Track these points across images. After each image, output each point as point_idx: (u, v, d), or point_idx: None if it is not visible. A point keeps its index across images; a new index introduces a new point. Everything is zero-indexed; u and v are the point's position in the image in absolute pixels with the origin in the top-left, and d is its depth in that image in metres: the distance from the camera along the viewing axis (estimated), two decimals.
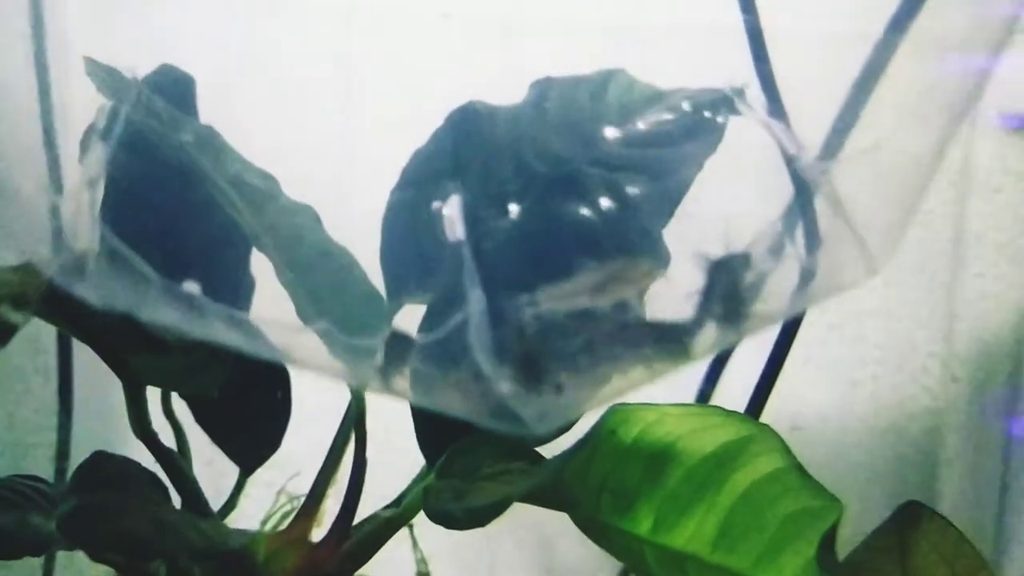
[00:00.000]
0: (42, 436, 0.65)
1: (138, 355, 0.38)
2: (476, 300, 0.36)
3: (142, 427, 0.43)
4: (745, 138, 0.56)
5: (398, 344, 0.33)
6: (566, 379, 0.31)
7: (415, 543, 0.62)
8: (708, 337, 0.30)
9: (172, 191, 0.52)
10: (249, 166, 0.53)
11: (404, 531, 0.52)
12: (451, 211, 0.38)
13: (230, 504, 0.54)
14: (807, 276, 0.32)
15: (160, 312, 0.30)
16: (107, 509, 0.37)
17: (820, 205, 0.36)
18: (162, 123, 0.49)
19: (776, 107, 0.46)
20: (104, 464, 0.40)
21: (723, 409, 0.39)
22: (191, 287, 0.30)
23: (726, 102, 0.60)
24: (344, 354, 0.42)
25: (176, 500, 0.50)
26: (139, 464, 0.44)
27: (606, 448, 0.40)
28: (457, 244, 0.38)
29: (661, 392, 0.38)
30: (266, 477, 0.61)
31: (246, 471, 0.55)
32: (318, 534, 0.52)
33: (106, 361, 0.40)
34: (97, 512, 0.36)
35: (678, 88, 0.61)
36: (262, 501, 0.64)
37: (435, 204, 0.55)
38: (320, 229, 0.54)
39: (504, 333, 0.32)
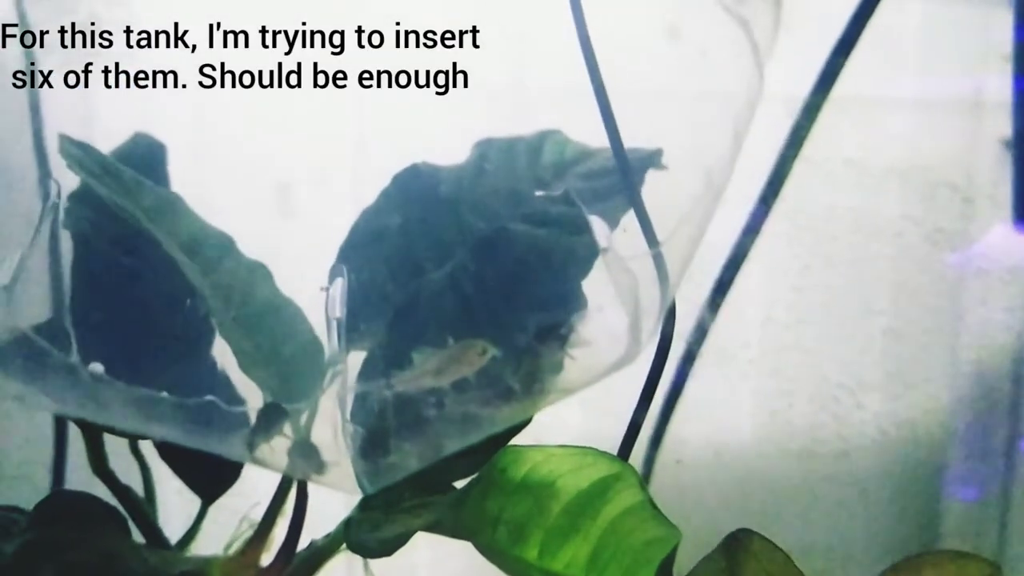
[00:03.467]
0: (26, 469, 0.71)
1: None
2: (338, 373, 0.41)
3: (100, 466, 0.49)
4: None
5: (269, 414, 0.38)
6: (406, 450, 0.37)
7: (367, 566, 0.67)
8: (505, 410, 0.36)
9: (139, 253, 0.58)
10: (207, 228, 0.59)
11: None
12: (334, 291, 0.43)
13: (192, 532, 0.60)
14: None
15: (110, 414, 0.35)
16: (58, 543, 0.43)
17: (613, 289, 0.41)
18: (126, 191, 0.56)
19: (624, 167, 0.51)
20: (62, 500, 0.46)
21: (597, 450, 0.45)
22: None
23: (649, 160, 0.65)
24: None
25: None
26: (99, 500, 0.50)
27: (499, 485, 0.46)
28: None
29: None
30: (233, 505, 0.67)
31: (207, 501, 0.61)
32: (268, 558, 0.58)
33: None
34: (48, 545, 0.42)
35: (606, 147, 0.67)
36: (229, 528, 0.70)
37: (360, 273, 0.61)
38: (270, 284, 0.59)
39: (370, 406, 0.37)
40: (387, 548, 0.46)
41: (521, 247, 0.60)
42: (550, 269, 0.60)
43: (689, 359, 0.70)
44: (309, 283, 0.63)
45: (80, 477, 0.65)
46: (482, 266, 0.59)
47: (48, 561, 0.41)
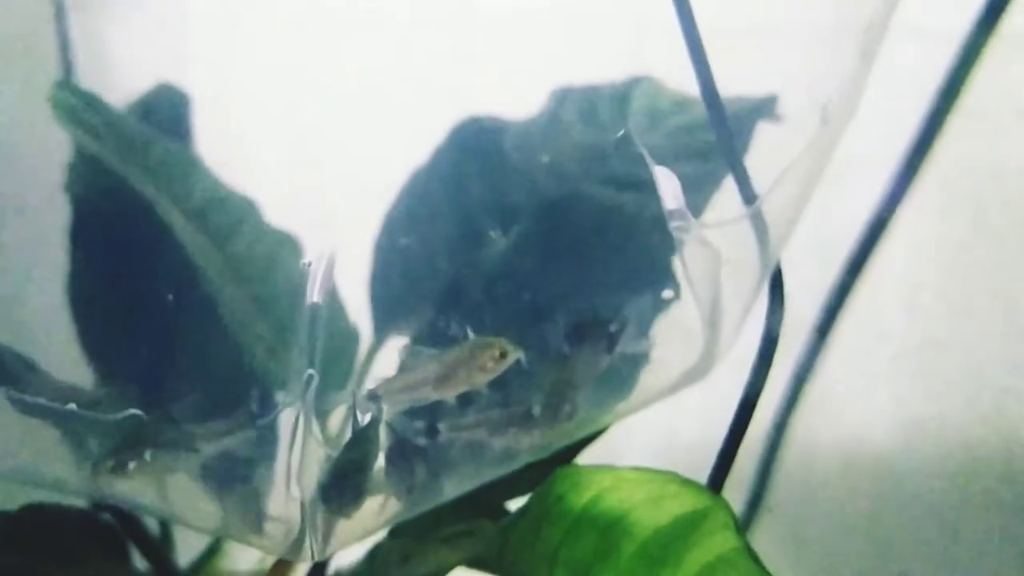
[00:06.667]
0: None
1: None
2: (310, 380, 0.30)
3: None
4: None
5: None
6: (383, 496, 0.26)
7: None
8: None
9: (143, 222, 0.49)
10: (224, 191, 0.50)
11: None
12: (316, 268, 0.33)
13: (213, 548, 0.52)
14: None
15: None
16: (14, 571, 0.34)
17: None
18: (130, 148, 0.47)
19: (716, 115, 0.40)
20: (30, 516, 0.38)
21: (681, 477, 0.34)
22: None
23: (759, 111, 0.54)
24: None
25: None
26: (85, 514, 0.42)
27: (555, 515, 0.35)
28: (314, 305, 0.32)
29: None
30: None
31: None
32: None
33: None
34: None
35: None
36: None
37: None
38: (299, 259, 0.50)
39: None
40: None
41: (599, 214, 0.49)
42: (634, 241, 0.49)
43: (814, 352, 0.59)
44: (349, 259, 0.54)
45: None
46: (551, 236, 0.49)
47: None
